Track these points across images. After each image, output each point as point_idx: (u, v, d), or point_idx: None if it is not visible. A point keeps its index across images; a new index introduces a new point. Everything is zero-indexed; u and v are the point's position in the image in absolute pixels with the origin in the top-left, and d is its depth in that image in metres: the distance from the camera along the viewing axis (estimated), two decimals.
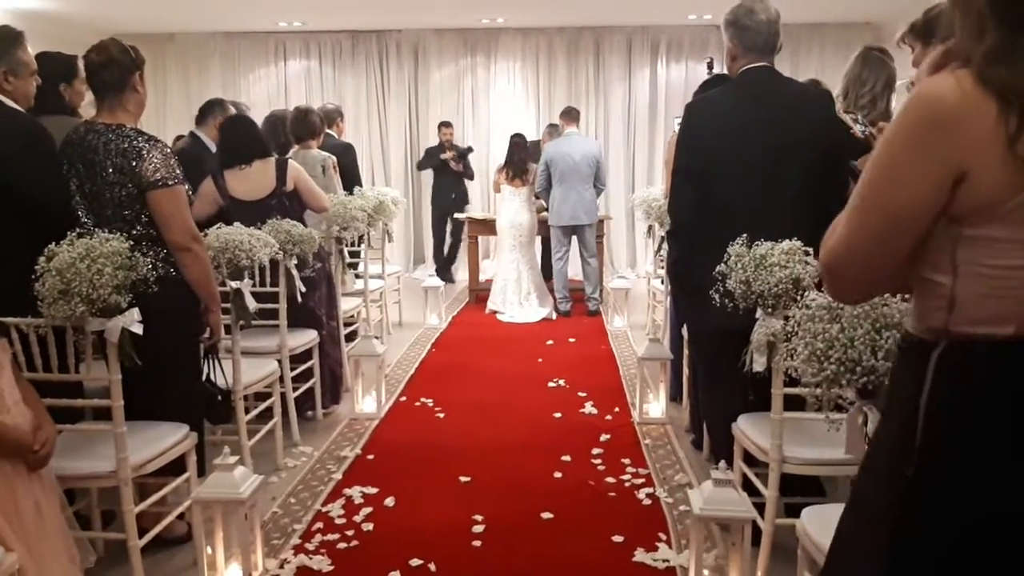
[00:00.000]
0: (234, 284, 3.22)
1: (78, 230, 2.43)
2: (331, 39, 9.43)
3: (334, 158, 5.00)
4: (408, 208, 9.03)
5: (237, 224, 3.39)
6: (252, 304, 3.27)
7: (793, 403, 2.42)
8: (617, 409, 4.39)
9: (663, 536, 2.90)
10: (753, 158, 2.76)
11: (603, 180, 6.91)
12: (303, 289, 3.81)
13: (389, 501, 3.20)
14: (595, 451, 3.74)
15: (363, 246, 5.53)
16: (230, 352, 3.23)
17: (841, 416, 1.87)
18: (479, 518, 3.03)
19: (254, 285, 3.43)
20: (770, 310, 2.38)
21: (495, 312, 6.95)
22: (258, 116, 4.99)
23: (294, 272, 3.72)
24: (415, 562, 2.71)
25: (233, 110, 4.58)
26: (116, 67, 2.66)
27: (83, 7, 7.37)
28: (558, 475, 3.48)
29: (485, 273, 7.86)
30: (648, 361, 4.15)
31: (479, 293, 7.52)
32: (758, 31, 2.80)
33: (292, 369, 3.85)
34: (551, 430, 4.08)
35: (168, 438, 2.61)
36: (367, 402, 4.30)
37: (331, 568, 2.70)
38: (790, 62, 8.53)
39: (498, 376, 5.08)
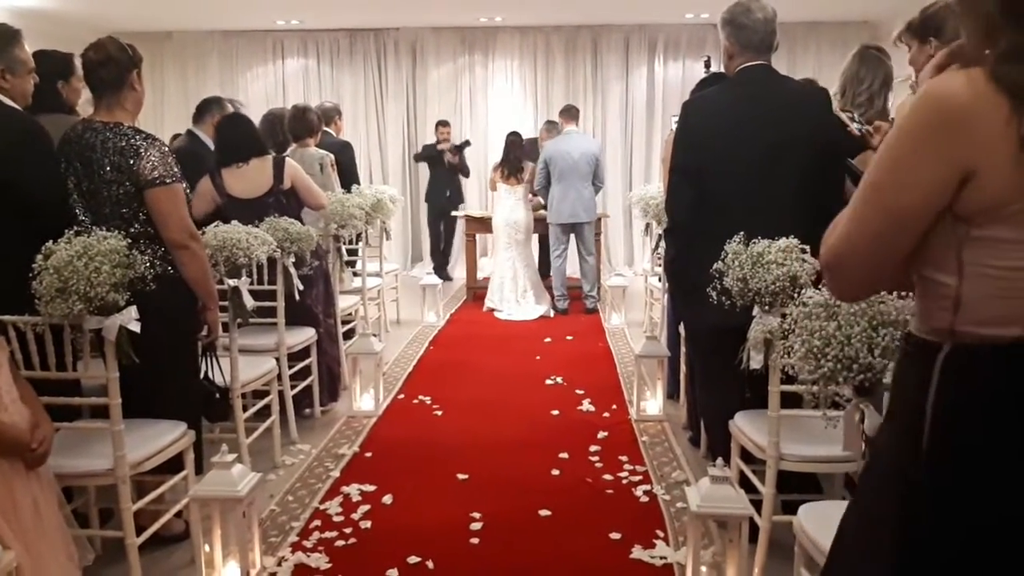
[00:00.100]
0: (232, 282, 3.22)
1: (76, 228, 2.43)
2: (329, 37, 9.42)
3: (332, 156, 5.00)
4: (406, 206, 9.02)
5: (235, 222, 3.39)
6: (250, 302, 3.27)
7: (790, 400, 2.43)
8: (615, 406, 4.39)
9: (660, 533, 2.91)
10: (750, 156, 2.77)
11: (602, 178, 6.93)
12: (301, 287, 3.81)
13: (387, 499, 3.20)
14: (593, 448, 3.75)
15: (361, 244, 5.53)
16: (228, 350, 3.24)
17: (838, 413, 1.87)
18: (477, 515, 3.04)
19: (252, 283, 3.43)
20: (767, 308, 2.38)
21: (492, 310, 6.96)
22: (256, 114, 5.00)
23: (292, 270, 3.72)
24: (413, 559, 2.72)
25: (231, 108, 4.58)
26: (114, 65, 2.66)
27: (81, 5, 7.36)
28: (556, 472, 3.48)
29: (483, 271, 7.86)
30: (645, 359, 4.16)
31: (477, 291, 7.53)
32: (755, 30, 2.80)
33: (290, 367, 3.85)
34: (549, 427, 4.09)
35: (166, 436, 2.61)
36: (365, 400, 4.31)
37: (329, 566, 2.70)
38: (787, 61, 8.54)
39: (496, 374, 5.08)
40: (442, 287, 6.99)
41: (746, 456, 2.67)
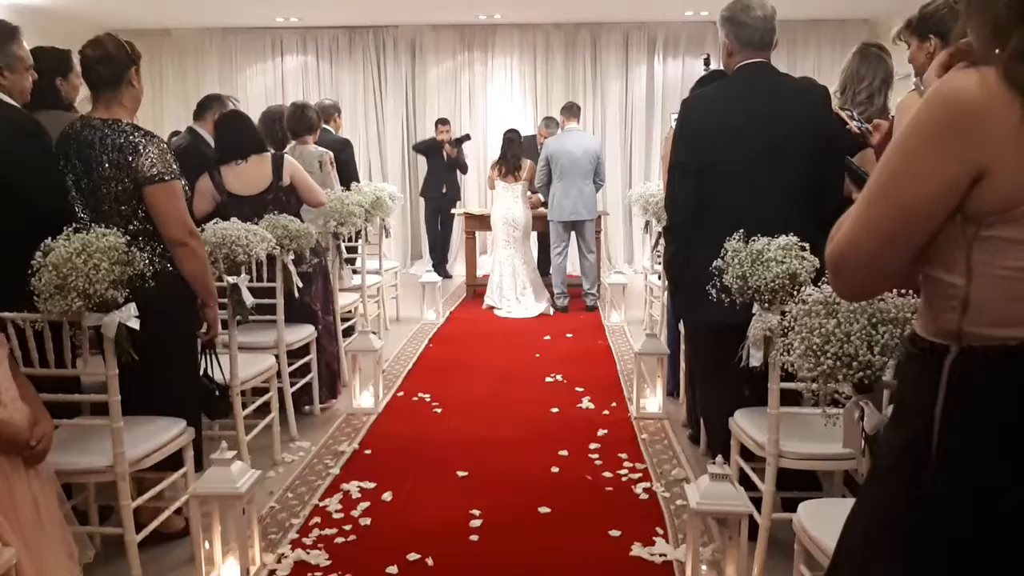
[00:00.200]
0: (231, 279, 3.21)
1: (75, 225, 2.43)
2: (328, 35, 9.41)
3: (331, 154, 5.00)
4: (405, 204, 9.02)
5: (234, 219, 3.39)
6: (249, 299, 3.27)
7: (790, 398, 2.43)
8: (614, 404, 4.39)
9: (660, 531, 2.91)
10: (749, 154, 2.77)
11: (603, 176, 6.94)
12: (300, 284, 3.82)
13: (387, 496, 3.20)
14: (592, 446, 3.75)
15: (360, 241, 5.53)
16: (227, 347, 3.23)
17: (838, 411, 1.87)
18: (476, 513, 3.04)
19: (251, 280, 3.42)
20: (767, 305, 2.38)
21: (492, 307, 6.96)
22: (255, 112, 4.99)
23: (291, 267, 3.72)
24: (412, 556, 2.72)
25: (232, 106, 4.58)
26: (112, 62, 2.66)
27: (79, 2, 7.35)
28: (555, 470, 3.48)
29: (482, 269, 7.86)
30: (645, 356, 4.16)
31: (476, 288, 7.53)
32: (754, 27, 2.80)
33: (289, 364, 3.85)
34: (548, 425, 4.09)
35: (165, 433, 2.61)
36: (364, 397, 4.31)
37: (328, 563, 2.70)
38: (787, 58, 8.54)
39: (495, 371, 5.08)
40: (442, 284, 6.99)
41: (746, 454, 2.68)
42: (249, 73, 9.49)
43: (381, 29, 9.37)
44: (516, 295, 6.93)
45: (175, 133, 5.56)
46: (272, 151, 4.10)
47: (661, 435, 3.92)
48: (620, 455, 3.63)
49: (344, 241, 5.02)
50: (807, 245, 2.40)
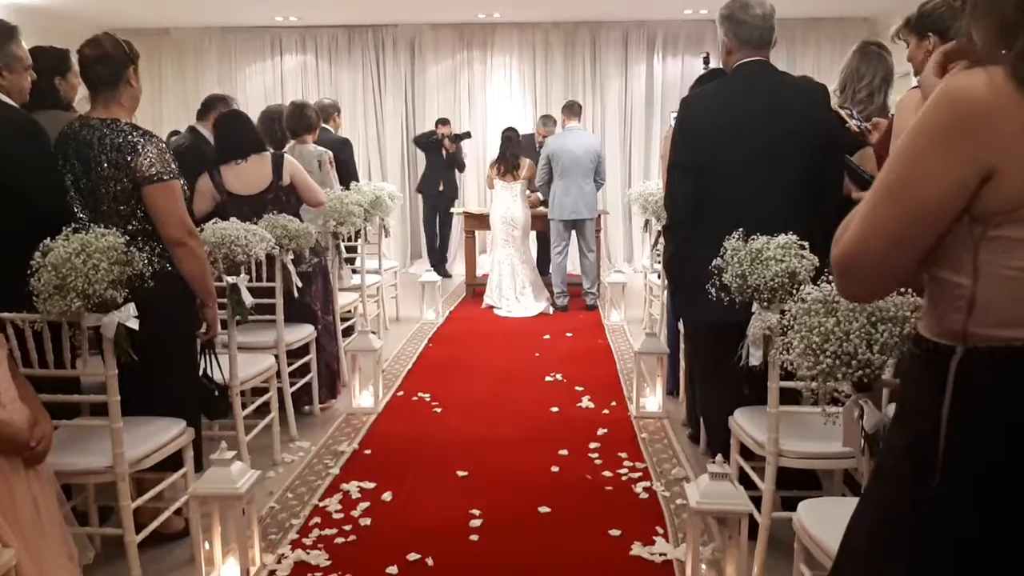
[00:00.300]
0: (230, 279, 3.21)
1: (73, 225, 2.43)
2: (327, 34, 9.41)
3: (330, 153, 5.00)
4: (405, 203, 9.02)
5: (233, 219, 3.39)
6: (248, 299, 3.27)
7: (789, 397, 2.43)
8: (614, 403, 4.39)
9: (660, 530, 2.91)
10: (749, 152, 2.77)
11: (603, 175, 6.93)
12: (299, 284, 3.81)
13: (386, 496, 3.20)
14: (592, 445, 3.74)
15: (360, 241, 5.52)
16: (227, 347, 3.23)
17: (837, 409, 1.87)
18: (476, 512, 3.04)
19: (250, 280, 3.42)
20: (766, 304, 2.38)
21: (492, 307, 6.96)
22: (254, 111, 4.99)
23: (290, 267, 3.71)
24: (412, 556, 2.72)
25: (234, 106, 4.58)
26: (110, 61, 2.65)
27: (78, 2, 7.34)
28: (555, 469, 3.48)
29: (482, 268, 7.86)
30: (645, 355, 4.16)
31: (476, 288, 7.53)
32: (753, 26, 2.80)
33: (289, 364, 3.85)
34: (548, 424, 4.09)
35: (165, 433, 2.61)
36: (364, 397, 4.30)
37: (328, 563, 2.70)
38: (786, 57, 8.54)
39: (495, 371, 5.08)
40: (441, 284, 6.99)
41: (745, 452, 2.68)
42: (248, 72, 9.49)
43: (380, 28, 9.36)
44: (516, 294, 6.92)
45: (174, 133, 5.56)
46: (272, 151, 4.10)
47: (661, 434, 3.92)
48: (620, 454, 3.63)
49: (344, 241, 5.01)
50: (806, 244, 2.40)
